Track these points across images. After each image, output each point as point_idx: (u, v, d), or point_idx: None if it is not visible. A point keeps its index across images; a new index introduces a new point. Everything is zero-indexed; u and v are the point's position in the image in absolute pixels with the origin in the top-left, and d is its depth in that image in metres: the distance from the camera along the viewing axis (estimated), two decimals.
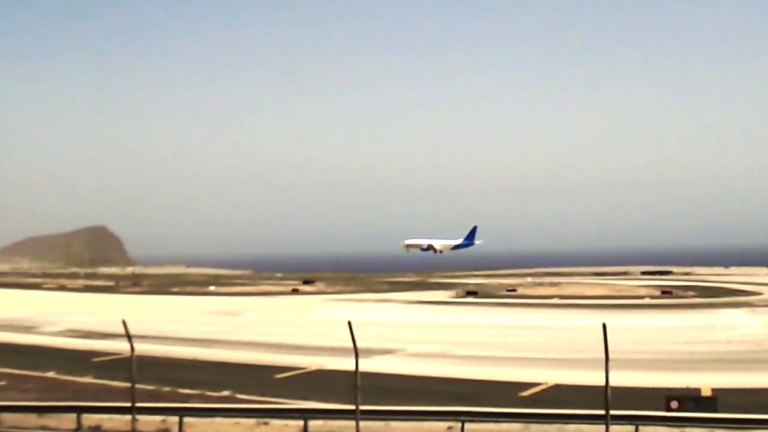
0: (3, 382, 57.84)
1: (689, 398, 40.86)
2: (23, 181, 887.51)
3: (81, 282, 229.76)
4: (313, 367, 63.03)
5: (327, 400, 45.17)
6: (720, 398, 40.85)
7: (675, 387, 48.41)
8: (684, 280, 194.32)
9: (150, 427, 41.01)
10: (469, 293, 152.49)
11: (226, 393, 51.37)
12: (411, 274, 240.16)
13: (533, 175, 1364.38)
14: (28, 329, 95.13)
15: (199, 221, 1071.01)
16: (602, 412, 33.33)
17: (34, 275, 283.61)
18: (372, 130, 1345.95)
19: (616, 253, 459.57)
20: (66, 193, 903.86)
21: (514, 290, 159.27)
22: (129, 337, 34.21)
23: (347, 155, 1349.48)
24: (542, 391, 51.46)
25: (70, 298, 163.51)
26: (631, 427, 36.01)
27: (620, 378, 38.54)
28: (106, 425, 42.38)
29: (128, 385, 38.02)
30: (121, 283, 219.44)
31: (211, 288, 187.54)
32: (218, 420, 41.49)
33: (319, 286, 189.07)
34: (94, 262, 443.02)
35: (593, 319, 79.17)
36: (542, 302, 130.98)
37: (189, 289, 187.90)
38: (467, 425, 37.77)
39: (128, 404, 37.74)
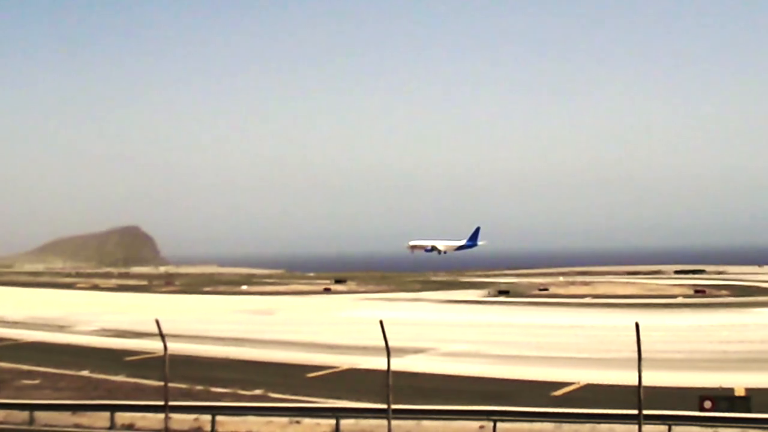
0: (37, 381, 58.24)
1: (723, 398, 40.64)
2: (57, 181, 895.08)
3: (114, 281, 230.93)
4: (345, 366, 63.07)
5: (359, 399, 45.08)
6: (754, 398, 40.63)
7: (708, 387, 48.09)
8: (717, 279, 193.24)
9: (183, 426, 41.17)
10: (501, 292, 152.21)
11: (258, 392, 51.49)
12: (442, 273, 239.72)
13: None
14: (62, 328, 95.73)
15: (231, 221, 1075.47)
16: (635, 411, 33.18)
17: (68, 275, 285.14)
18: (403, 130, 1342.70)
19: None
20: (100, 193, 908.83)
21: (546, 289, 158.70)
22: (162, 336, 34.36)
23: (379, 156, 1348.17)
24: (574, 390, 51.32)
25: (103, 297, 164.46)
26: (664, 427, 35.84)
27: (653, 377, 38.37)
28: (139, 423, 42.58)
29: (161, 383, 38.17)
30: (154, 282, 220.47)
31: (244, 287, 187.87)
32: (250, 419, 41.54)
33: (351, 285, 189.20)
34: (128, 262, 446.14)
35: (626, 318, 78.78)
36: (574, 301, 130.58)
37: (221, 288, 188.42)
38: (499, 425, 37.70)
39: (161, 403, 37.88)
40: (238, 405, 44.32)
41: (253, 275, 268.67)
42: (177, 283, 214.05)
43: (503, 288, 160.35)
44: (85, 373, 61.87)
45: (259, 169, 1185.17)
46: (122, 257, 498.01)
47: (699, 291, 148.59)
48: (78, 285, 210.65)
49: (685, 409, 37.16)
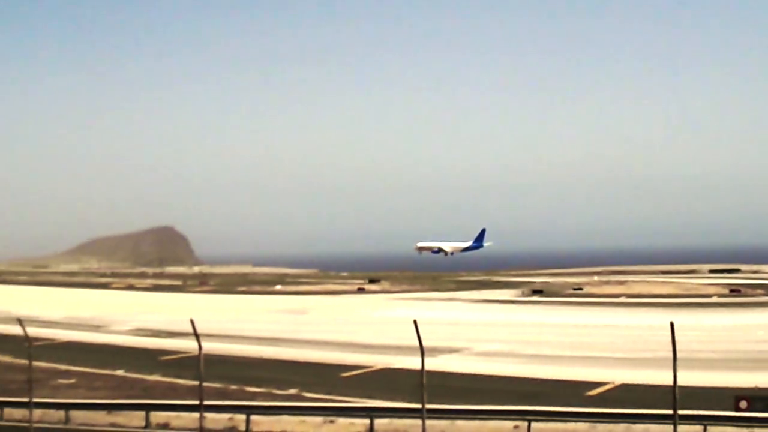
0: (73, 380, 58.68)
1: (759, 398, 40.30)
2: (92, 182, 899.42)
3: (149, 281, 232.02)
4: (379, 366, 63.14)
5: (393, 399, 45.17)
6: None
7: (744, 387, 47.90)
8: (753, 278, 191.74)
9: (217, 425, 41.38)
10: (535, 292, 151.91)
11: (292, 391, 51.67)
12: (477, 272, 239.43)
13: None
14: (97, 328, 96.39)
15: (265, 221, 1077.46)
16: (670, 411, 33.01)
17: (103, 275, 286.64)
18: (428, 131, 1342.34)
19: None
20: (135, 193, 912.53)
21: (581, 289, 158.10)
22: (197, 335, 34.49)
23: (413, 156, 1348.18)
24: (609, 390, 51.15)
25: (138, 297, 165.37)
26: (700, 427, 35.73)
27: (688, 377, 38.26)
28: (174, 423, 42.86)
29: (195, 383, 38.33)
30: (189, 282, 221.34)
31: (278, 287, 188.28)
32: (285, 418, 41.70)
33: (385, 285, 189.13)
34: (162, 262, 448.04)
35: (661, 317, 78.57)
36: (609, 301, 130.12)
37: (255, 288, 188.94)
38: (534, 424, 37.69)
39: (196, 402, 38.02)
40: (272, 404, 44.48)
41: (287, 275, 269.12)
42: (211, 282, 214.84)
43: (537, 287, 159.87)
44: (120, 372, 62.30)
45: (292, 170, 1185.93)
46: (157, 257, 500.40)
47: (734, 290, 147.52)
48: (113, 285, 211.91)
49: (720, 409, 36.98)
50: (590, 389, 50.78)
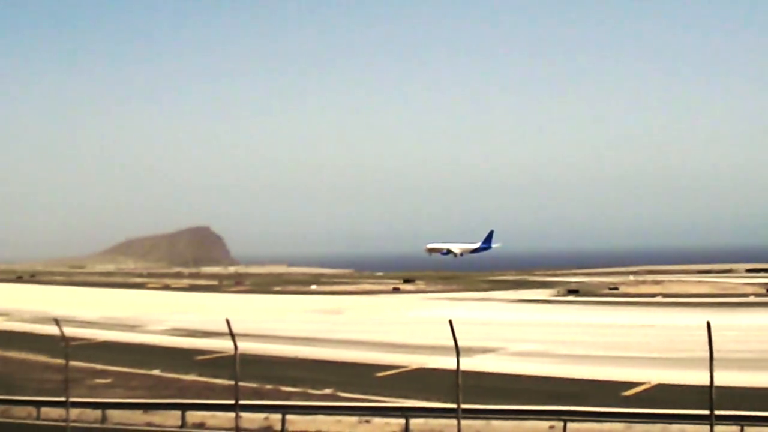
0: (109, 380, 58.98)
1: None
2: (129, 183, 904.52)
3: (185, 281, 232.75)
4: (415, 366, 63.14)
5: (428, 399, 45.16)
6: None
7: None
8: None
9: (253, 425, 41.49)
10: (571, 291, 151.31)
11: (328, 391, 51.73)
12: (511, 272, 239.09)
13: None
14: (133, 328, 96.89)
15: (300, 221, 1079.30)
16: (706, 412, 32.84)
17: (139, 275, 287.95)
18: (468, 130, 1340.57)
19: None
20: (170, 194, 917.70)
21: (616, 288, 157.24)
22: (232, 335, 34.59)
23: (446, 156, 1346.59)
24: (645, 390, 50.91)
25: (174, 297, 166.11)
26: (737, 428, 35.52)
27: (725, 378, 38.05)
28: (209, 422, 43.02)
29: (231, 382, 38.43)
30: (224, 282, 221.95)
31: (313, 287, 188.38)
32: (320, 418, 41.77)
33: (420, 284, 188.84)
34: (198, 262, 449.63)
35: (697, 317, 78.01)
36: (645, 300, 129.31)
37: (291, 288, 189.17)
38: (569, 425, 37.57)
39: (231, 402, 38.14)
40: (308, 404, 44.55)
41: (322, 275, 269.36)
42: (247, 282, 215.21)
43: (573, 287, 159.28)
44: (156, 372, 62.59)
45: (326, 170, 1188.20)
46: (192, 257, 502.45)
47: None
48: (149, 285, 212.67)
49: (757, 409, 36.76)
50: (626, 389, 50.55)
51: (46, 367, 65.22)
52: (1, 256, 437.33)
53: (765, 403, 38.36)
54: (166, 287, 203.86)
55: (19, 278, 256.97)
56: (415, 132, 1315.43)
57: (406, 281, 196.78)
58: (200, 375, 60.49)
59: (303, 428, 41.15)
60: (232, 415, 38.62)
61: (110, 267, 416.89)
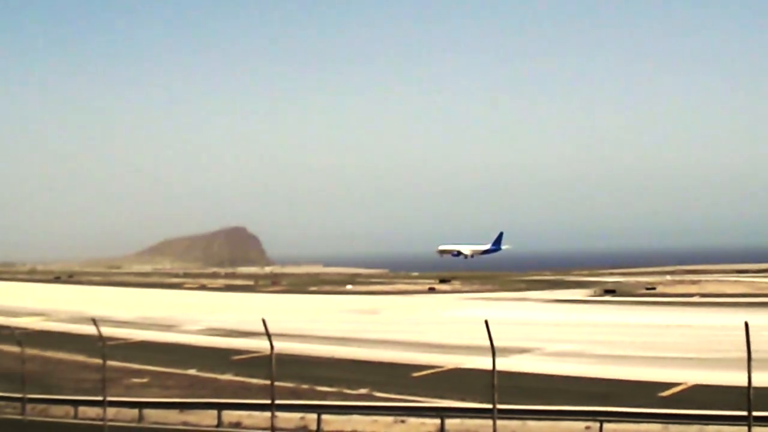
0: (146, 379, 59.29)
1: None
2: (166, 183, 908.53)
3: (221, 281, 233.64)
4: (450, 366, 63.05)
5: (464, 399, 45.10)
6: None
7: None
8: None
9: (289, 424, 41.56)
10: (607, 291, 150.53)
11: (363, 391, 51.75)
12: (548, 272, 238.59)
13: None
14: (169, 328, 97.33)
15: (336, 221, 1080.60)
16: (744, 413, 32.60)
17: (176, 275, 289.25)
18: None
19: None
20: (207, 195, 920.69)
21: (654, 288, 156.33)
22: (268, 335, 34.64)
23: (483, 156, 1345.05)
24: (682, 391, 50.59)
25: (210, 297, 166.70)
26: None
27: (763, 378, 37.66)
28: (245, 422, 43.16)
29: (267, 382, 38.49)
30: (260, 282, 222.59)
31: (349, 287, 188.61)
32: (356, 418, 41.77)
33: (456, 284, 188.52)
34: (234, 262, 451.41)
35: (735, 317, 77.37)
36: (682, 300, 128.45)
37: (326, 288, 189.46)
38: (606, 425, 37.40)
39: (267, 401, 38.20)
40: (343, 404, 44.58)
41: (357, 275, 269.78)
42: (283, 282, 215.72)
43: (609, 287, 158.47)
44: (192, 371, 62.87)
45: (362, 170, 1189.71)
46: (228, 257, 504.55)
47: None
48: (185, 285, 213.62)
49: None
50: (663, 390, 50.24)
51: (84, 366, 65.68)
52: (40, 257, 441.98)
53: None
54: (203, 287, 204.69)
55: (57, 279, 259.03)
56: (451, 134, 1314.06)
57: (442, 281, 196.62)
58: (236, 375, 60.69)
59: (338, 428, 41.19)
60: (268, 414, 38.67)
61: (147, 267, 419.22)
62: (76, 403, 47.98)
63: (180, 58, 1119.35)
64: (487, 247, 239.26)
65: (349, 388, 52.62)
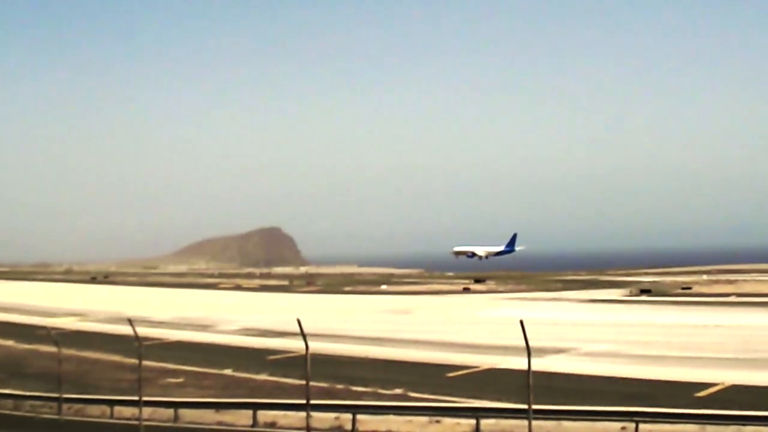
0: (181, 379, 59.57)
1: None
2: (201, 184, 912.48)
3: (256, 282, 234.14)
4: (485, 366, 62.94)
5: (499, 399, 44.97)
6: None
7: None
8: None
9: (324, 424, 41.64)
10: (643, 291, 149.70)
11: (398, 391, 51.78)
12: (583, 272, 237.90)
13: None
14: (205, 328, 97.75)
15: (370, 221, 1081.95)
16: None
17: (211, 275, 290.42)
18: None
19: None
20: (242, 195, 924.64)
21: (690, 288, 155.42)
22: (303, 335, 34.69)
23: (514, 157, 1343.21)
24: (719, 391, 50.29)
25: (245, 297, 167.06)
26: None
27: None
28: (281, 422, 43.28)
29: (302, 382, 38.55)
30: (295, 282, 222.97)
31: (383, 287, 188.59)
32: (391, 418, 41.83)
33: (490, 284, 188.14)
34: (269, 262, 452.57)
35: None
36: (718, 300, 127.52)
37: (361, 288, 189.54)
38: (641, 426, 37.25)
39: (303, 401, 38.27)
40: (378, 404, 44.65)
41: (392, 275, 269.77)
42: (318, 283, 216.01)
43: (645, 287, 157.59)
44: (228, 371, 63.10)
45: (398, 171, 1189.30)
46: (264, 258, 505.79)
47: None
48: (221, 285, 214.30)
49: None
50: (699, 390, 49.96)
51: (119, 366, 66.10)
52: (76, 258, 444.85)
53: None
54: (238, 287, 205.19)
55: (93, 279, 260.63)
56: (495, 134, 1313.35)
57: (477, 281, 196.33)
58: (272, 375, 60.91)
59: (373, 428, 41.25)
60: (303, 414, 38.76)
61: (182, 268, 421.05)
62: (112, 403, 48.36)
63: (223, 62, 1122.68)
64: (501, 248, 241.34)
65: (384, 388, 52.66)
